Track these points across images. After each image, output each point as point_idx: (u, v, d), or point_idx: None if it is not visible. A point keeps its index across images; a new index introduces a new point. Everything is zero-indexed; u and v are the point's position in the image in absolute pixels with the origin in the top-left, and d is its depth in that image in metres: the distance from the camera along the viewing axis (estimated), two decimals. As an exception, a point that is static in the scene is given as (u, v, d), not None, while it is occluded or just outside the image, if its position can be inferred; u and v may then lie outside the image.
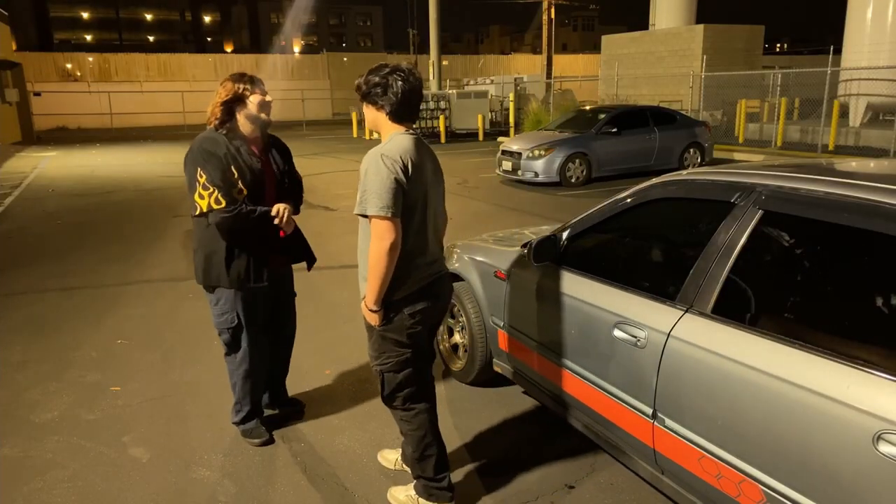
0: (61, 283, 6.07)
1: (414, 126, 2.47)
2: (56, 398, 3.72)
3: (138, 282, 6.08)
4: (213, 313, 3.04)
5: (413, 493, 2.65)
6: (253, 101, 2.86)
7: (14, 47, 27.91)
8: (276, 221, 2.94)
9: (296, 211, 3.12)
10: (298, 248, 3.22)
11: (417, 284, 2.41)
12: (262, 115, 2.90)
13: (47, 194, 11.66)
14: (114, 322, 4.99)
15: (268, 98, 2.90)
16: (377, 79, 2.36)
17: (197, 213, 2.83)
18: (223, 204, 2.78)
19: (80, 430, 3.36)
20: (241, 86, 2.84)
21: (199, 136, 2.91)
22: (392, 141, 2.36)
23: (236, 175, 2.84)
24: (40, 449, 3.18)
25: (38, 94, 28.48)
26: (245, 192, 2.86)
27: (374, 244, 2.25)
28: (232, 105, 2.85)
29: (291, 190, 3.13)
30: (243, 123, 2.90)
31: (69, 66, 35.13)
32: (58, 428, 3.38)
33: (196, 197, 2.80)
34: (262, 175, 2.94)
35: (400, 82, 2.34)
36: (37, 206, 10.52)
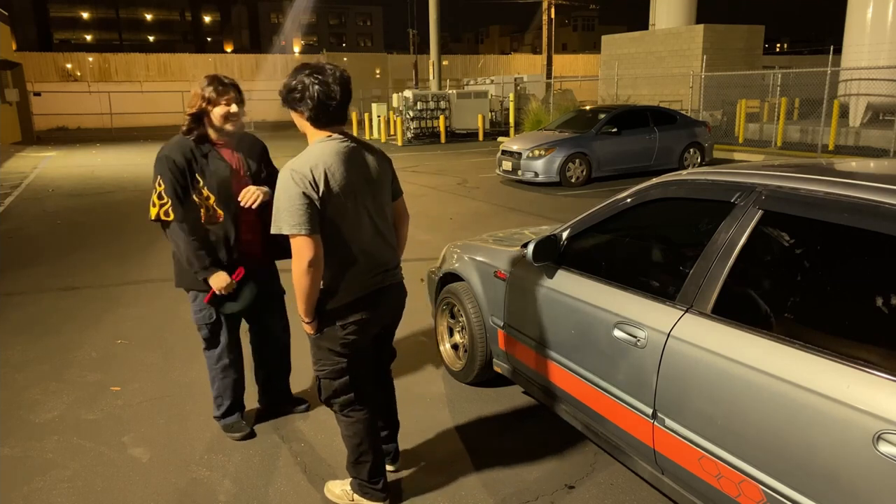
0: (61, 283, 6.07)
1: (342, 128, 2.36)
2: (56, 398, 3.72)
3: (138, 282, 6.08)
4: (192, 310, 3.09)
5: (349, 488, 2.68)
6: (216, 113, 2.84)
7: (14, 47, 27.89)
8: (242, 203, 2.89)
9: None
10: (270, 247, 3.11)
11: (352, 295, 2.37)
12: (227, 126, 2.88)
13: (47, 194, 11.66)
14: (114, 322, 4.99)
15: (233, 109, 2.85)
16: (293, 82, 2.27)
17: (150, 218, 2.88)
18: (171, 217, 2.83)
19: (80, 430, 3.36)
20: (206, 97, 2.82)
21: (169, 140, 2.92)
22: (306, 151, 2.28)
23: (202, 183, 2.86)
24: (40, 449, 3.18)
25: (38, 94, 28.48)
26: (213, 198, 2.89)
27: (294, 262, 2.23)
28: (199, 115, 2.86)
29: (268, 183, 3.06)
30: (210, 131, 2.91)
31: (69, 66, 35.13)
32: (58, 428, 3.38)
33: (150, 204, 2.86)
34: (229, 179, 2.93)
35: (317, 86, 2.23)
36: (37, 206, 10.52)
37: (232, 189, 2.93)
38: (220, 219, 2.92)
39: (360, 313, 2.39)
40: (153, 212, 2.84)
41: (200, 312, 3.06)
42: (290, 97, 2.29)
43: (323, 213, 2.22)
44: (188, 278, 2.99)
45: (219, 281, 2.90)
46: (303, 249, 2.19)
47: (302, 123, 2.34)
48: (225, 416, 3.25)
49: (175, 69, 37.11)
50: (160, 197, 2.81)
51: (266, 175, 3.08)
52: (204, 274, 2.89)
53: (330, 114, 2.29)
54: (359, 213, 2.34)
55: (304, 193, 2.17)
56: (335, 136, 2.33)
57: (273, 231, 2.22)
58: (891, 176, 2.19)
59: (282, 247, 3.03)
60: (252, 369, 3.41)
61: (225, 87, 2.84)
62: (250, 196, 2.89)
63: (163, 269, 6.48)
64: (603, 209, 2.90)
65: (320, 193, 2.20)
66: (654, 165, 11.93)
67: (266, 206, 3.01)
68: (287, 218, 2.17)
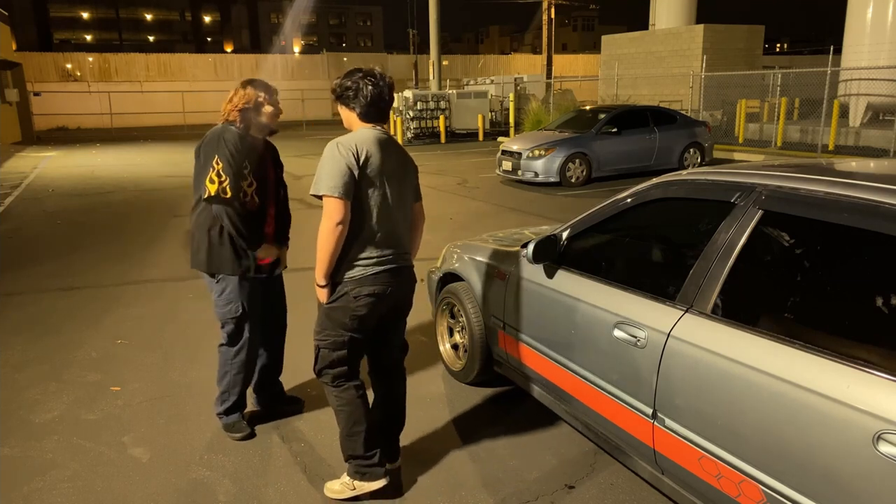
0: (61, 283, 6.07)
1: (384, 125, 2.64)
2: (56, 398, 3.72)
3: (138, 282, 6.08)
4: (217, 304, 3.09)
5: (347, 479, 2.71)
6: (267, 111, 3.07)
7: (14, 47, 27.86)
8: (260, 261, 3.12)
9: (286, 237, 3.33)
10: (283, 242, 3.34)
11: (367, 270, 2.53)
12: (272, 125, 3.12)
13: (47, 194, 11.65)
14: (113, 322, 4.99)
15: (280, 110, 3.13)
16: (349, 83, 2.56)
17: (205, 195, 2.93)
18: (229, 195, 2.91)
19: (80, 430, 3.36)
20: (261, 95, 3.04)
21: (216, 127, 3.04)
22: (352, 134, 2.55)
23: (249, 169, 2.99)
24: (40, 449, 3.18)
25: (37, 94, 28.46)
26: (255, 185, 3.02)
27: (323, 221, 2.42)
28: (248, 111, 3.04)
29: (281, 210, 3.28)
30: (253, 128, 3.07)
31: (69, 66, 35.08)
32: (58, 428, 3.38)
33: (207, 181, 2.92)
34: (267, 170, 3.14)
35: (370, 87, 2.54)
36: (37, 206, 10.51)
37: (268, 180, 3.11)
38: (255, 207, 3.04)
39: (373, 287, 2.54)
40: (212, 188, 2.91)
41: (228, 306, 3.06)
42: (346, 94, 2.57)
43: (357, 185, 2.44)
44: (216, 261, 3.01)
45: (269, 251, 3.11)
46: (334, 211, 2.40)
47: (350, 117, 2.61)
48: (228, 414, 3.24)
49: (175, 69, 37.07)
50: (219, 175, 2.91)
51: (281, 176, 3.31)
52: (255, 247, 3.03)
53: (379, 111, 2.59)
54: (385, 196, 2.54)
55: (346, 164, 2.41)
56: (378, 128, 2.60)
57: (311, 192, 2.46)
58: (891, 176, 2.19)
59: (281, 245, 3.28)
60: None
61: (274, 89, 3.10)
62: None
63: (163, 269, 6.48)
64: (603, 209, 2.90)
65: (360, 166, 2.44)
66: (654, 165, 11.93)
67: (280, 201, 3.25)
68: (327, 181, 2.40)
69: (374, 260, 2.54)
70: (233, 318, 3.08)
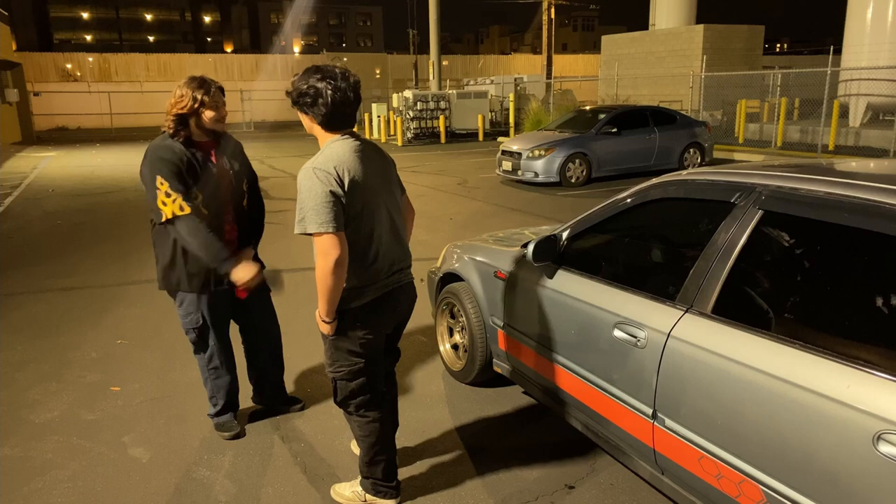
0: (61, 283, 6.07)
1: (352, 129, 2.37)
2: (56, 398, 3.72)
3: (138, 282, 6.08)
4: (179, 314, 3.09)
5: (359, 489, 2.67)
6: (207, 115, 2.86)
7: (14, 47, 27.88)
8: (239, 285, 2.96)
9: (258, 235, 3.21)
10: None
11: (372, 294, 2.37)
12: (215, 127, 2.92)
13: (47, 194, 11.65)
14: (113, 322, 4.99)
15: (223, 112, 2.91)
16: (304, 86, 2.24)
17: (163, 220, 2.81)
18: (187, 210, 2.79)
19: (80, 430, 3.36)
20: (198, 99, 2.82)
21: (153, 143, 2.90)
22: (325, 151, 2.28)
23: (192, 182, 2.87)
24: (40, 449, 3.18)
25: (37, 94, 28.47)
26: (200, 196, 2.88)
27: (319, 261, 2.19)
28: (185, 117, 2.85)
29: (252, 204, 3.13)
30: (196, 132, 2.91)
31: (69, 66, 35.10)
32: (58, 428, 3.38)
33: (160, 204, 2.79)
34: (215, 178, 2.95)
35: (330, 91, 2.22)
36: (37, 206, 10.52)
37: (220, 188, 2.96)
38: (205, 218, 2.91)
39: (378, 313, 2.41)
40: (166, 211, 2.77)
41: (188, 317, 3.06)
42: (302, 101, 2.27)
43: (347, 211, 2.22)
44: (174, 280, 2.98)
45: (246, 272, 2.88)
46: (329, 248, 2.15)
47: (312, 127, 2.34)
48: (218, 415, 3.27)
49: (175, 69, 37.06)
50: (168, 195, 2.77)
51: (247, 176, 3.12)
52: (226, 266, 2.86)
53: (344, 117, 2.31)
54: (379, 211, 2.36)
55: (330, 191, 2.16)
56: (346, 135, 2.34)
57: (297, 232, 2.19)
58: (891, 176, 2.19)
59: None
60: (245, 368, 3.41)
61: (216, 90, 2.88)
62: (248, 283, 2.98)
63: (163, 269, 6.47)
64: (603, 209, 2.90)
65: (345, 190, 2.19)
66: (654, 165, 11.93)
67: (240, 204, 3.06)
68: (313, 217, 2.14)
69: (376, 283, 2.37)
70: (194, 329, 3.07)
